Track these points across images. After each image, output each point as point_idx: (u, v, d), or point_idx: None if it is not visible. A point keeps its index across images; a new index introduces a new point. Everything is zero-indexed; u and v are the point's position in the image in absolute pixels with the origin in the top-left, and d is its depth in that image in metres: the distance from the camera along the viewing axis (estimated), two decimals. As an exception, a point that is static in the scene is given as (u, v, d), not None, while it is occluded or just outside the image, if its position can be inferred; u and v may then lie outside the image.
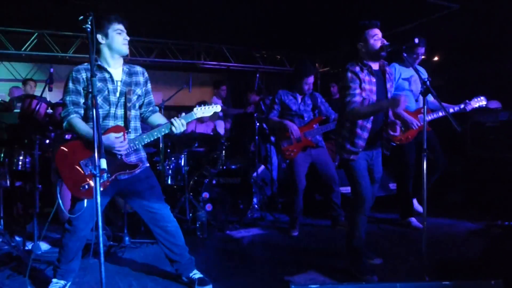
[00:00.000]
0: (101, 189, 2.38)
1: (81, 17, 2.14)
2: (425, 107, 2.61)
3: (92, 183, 2.42)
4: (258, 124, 5.20)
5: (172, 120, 2.59)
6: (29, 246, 3.52)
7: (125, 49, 2.59)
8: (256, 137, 5.18)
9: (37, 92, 4.90)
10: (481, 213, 4.50)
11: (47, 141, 3.94)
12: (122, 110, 2.60)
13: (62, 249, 2.66)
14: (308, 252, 3.61)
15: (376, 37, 2.87)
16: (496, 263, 3.10)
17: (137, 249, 3.66)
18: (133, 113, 2.65)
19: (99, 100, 2.51)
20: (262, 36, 7.08)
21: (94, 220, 2.56)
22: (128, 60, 3.02)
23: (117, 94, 2.58)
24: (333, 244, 3.83)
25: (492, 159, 4.79)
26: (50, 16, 5.57)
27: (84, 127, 2.46)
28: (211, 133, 5.98)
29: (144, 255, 3.50)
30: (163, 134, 2.64)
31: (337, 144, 3.04)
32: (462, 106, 4.06)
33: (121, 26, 2.56)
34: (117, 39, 2.54)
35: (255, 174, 5.27)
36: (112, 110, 2.56)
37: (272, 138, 5.31)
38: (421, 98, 4.13)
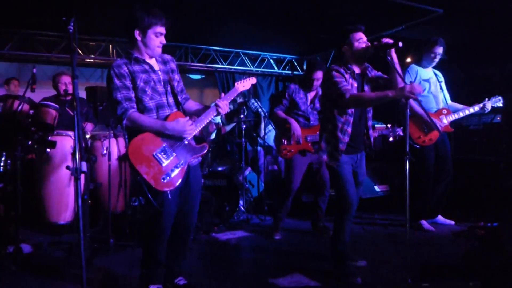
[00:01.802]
0: (180, 178, 2.42)
1: (64, 18, 2.11)
2: (408, 111, 2.62)
3: (175, 171, 2.40)
4: (245, 126, 5.21)
5: (217, 102, 2.55)
6: (10, 249, 3.44)
7: (158, 52, 2.54)
8: (243, 140, 5.17)
9: (21, 92, 4.83)
10: (465, 214, 4.57)
11: (30, 142, 3.88)
12: (172, 97, 2.58)
13: (150, 250, 2.55)
14: (293, 254, 3.61)
15: (361, 40, 2.91)
16: (478, 264, 3.14)
17: (122, 252, 3.63)
18: (179, 98, 2.66)
19: (149, 91, 2.47)
20: (250, 39, 7.09)
21: (175, 211, 2.52)
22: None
23: (162, 84, 2.55)
24: (317, 246, 3.84)
25: (475, 161, 4.87)
26: (34, 15, 5.49)
27: (147, 119, 2.42)
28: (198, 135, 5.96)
29: (128, 258, 3.46)
30: (211, 117, 2.59)
31: (320, 147, 3.06)
32: (481, 105, 4.17)
33: (163, 30, 2.48)
34: (154, 42, 2.47)
35: (241, 176, 5.27)
36: (164, 99, 2.53)
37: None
38: (440, 99, 4.26)
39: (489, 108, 4.20)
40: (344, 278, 2.88)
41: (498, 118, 4.80)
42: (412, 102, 2.68)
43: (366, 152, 3.15)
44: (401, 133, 4.08)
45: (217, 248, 3.88)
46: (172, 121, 2.45)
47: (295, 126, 4.02)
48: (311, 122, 4.16)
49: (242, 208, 5.02)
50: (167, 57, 2.70)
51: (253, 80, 2.76)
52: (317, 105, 4.19)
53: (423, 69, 4.28)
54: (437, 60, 4.24)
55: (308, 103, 4.18)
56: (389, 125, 4.12)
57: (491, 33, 5.06)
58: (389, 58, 2.77)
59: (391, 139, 4.16)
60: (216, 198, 4.57)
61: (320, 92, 4.24)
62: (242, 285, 2.93)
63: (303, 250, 3.74)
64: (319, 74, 4.09)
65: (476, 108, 4.20)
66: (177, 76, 2.69)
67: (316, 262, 3.32)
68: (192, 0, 5.04)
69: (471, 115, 4.44)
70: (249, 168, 5.78)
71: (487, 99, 4.19)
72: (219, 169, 5.02)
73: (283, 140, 4.10)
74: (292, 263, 3.33)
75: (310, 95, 4.22)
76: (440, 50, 4.18)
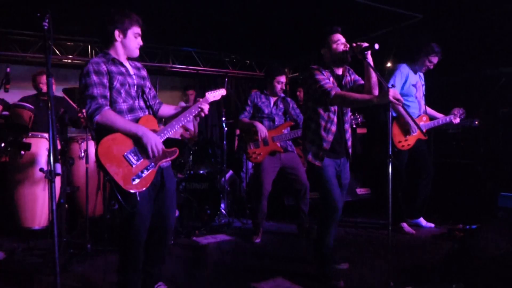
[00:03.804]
0: (150, 180, 2.39)
1: (38, 14, 2.03)
2: (390, 113, 2.62)
3: (145, 173, 2.37)
4: (226, 129, 5.17)
5: (199, 104, 2.64)
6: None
7: (137, 54, 2.58)
8: (224, 142, 5.13)
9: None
10: (444, 217, 4.63)
11: (3, 144, 3.74)
12: (143, 102, 2.60)
13: (125, 256, 2.46)
14: (275, 258, 3.58)
15: (339, 42, 2.91)
16: (459, 266, 3.17)
17: (100, 257, 3.52)
18: (151, 102, 2.70)
19: (123, 93, 2.46)
20: (232, 41, 7.07)
21: (150, 213, 2.49)
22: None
23: (135, 88, 2.56)
24: (300, 249, 3.82)
25: (454, 164, 4.95)
26: (9, 13, 5.34)
27: (122, 119, 2.38)
28: (179, 138, 5.90)
29: (106, 263, 3.36)
30: (191, 117, 2.63)
31: (304, 148, 3.04)
32: (451, 117, 4.30)
33: (139, 30, 2.54)
34: (133, 42, 2.52)
35: (223, 179, 5.22)
36: (136, 103, 2.54)
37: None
38: (422, 104, 4.30)
39: (456, 121, 4.34)
40: (327, 281, 2.87)
41: (476, 123, 4.89)
42: (399, 106, 2.68)
43: (346, 159, 3.13)
44: (363, 120, 4.14)
45: (198, 252, 3.82)
46: (148, 128, 2.42)
47: (261, 128, 4.04)
48: (276, 123, 4.21)
49: (224, 212, 4.96)
50: (139, 65, 2.74)
51: (223, 92, 2.83)
52: (280, 105, 4.27)
53: (413, 73, 4.28)
54: (427, 70, 4.27)
55: (271, 105, 4.24)
56: (349, 113, 4.15)
57: (469, 39, 5.15)
58: (367, 60, 2.77)
59: (354, 126, 4.19)
60: (197, 201, 4.51)
61: (282, 95, 4.32)
62: (223, 290, 2.88)
63: (286, 254, 3.71)
64: (282, 79, 4.20)
65: (447, 119, 4.33)
66: (148, 83, 2.72)
67: (299, 266, 3.30)
68: (173, 1, 4.99)
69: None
70: (231, 171, 5.73)
71: (455, 113, 4.34)
72: (201, 172, 4.96)
73: (250, 145, 4.10)
74: (274, 266, 3.30)
75: (273, 99, 4.27)
76: (436, 61, 4.20)
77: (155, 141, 2.40)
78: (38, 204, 3.91)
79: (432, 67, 4.24)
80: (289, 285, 2.87)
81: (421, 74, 4.41)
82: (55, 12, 2.12)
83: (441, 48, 4.18)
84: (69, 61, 6.56)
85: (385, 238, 3.70)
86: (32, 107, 3.74)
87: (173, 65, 7.35)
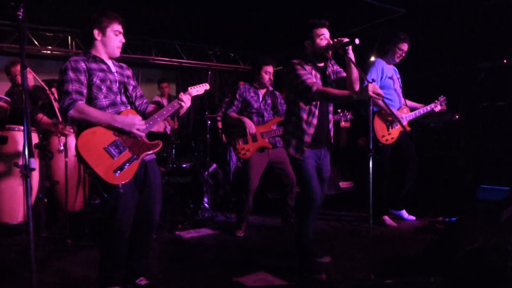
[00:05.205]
0: (133, 173, 2.35)
1: (12, 3, 1.96)
2: (371, 107, 2.63)
3: (127, 166, 2.34)
4: (209, 122, 5.14)
5: (180, 96, 2.62)
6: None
7: (118, 53, 2.58)
8: (207, 135, 5.10)
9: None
10: (426, 210, 4.69)
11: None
12: (125, 98, 2.60)
13: (108, 251, 2.42)
14: (258, 252, 3.58)
15: (323, 37, 2.90)
16: (439, 258, 3.22)
17: (80, 252, 3.47)
18: (137, 102, 2.71)
19: (104, 89, 2.45)
20: (215, 33, 7.00)
21: (134, 207, 2.45)
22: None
23: (117, 84, 2.56)
24: (282, 243, 3.83)
25: (435, 157, 5.02)
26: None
27: (96, 110, 2.36)
28: (162, 131, 5.85)
29: (87, 259, 3.31)
30: (173, 112, 2.62)
31: (284, 141, 3.04)
32: (433, 106, 4.34)
33: (120, 28, 2.53)
34: (114, 41, 2.52)
35: (206, 173, 5.19)
36: (118, 98, 2.53)
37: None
38: (401, 97, 4.34)
39: (438, 109, 4.41)
40: (309, 274, 2.88)
41: (457, 117, 4.96)
42: (379, 100, 2.70)
43: (328, 149, 3.15)
44: (352, 117, 4.16)
45: (181, 247, 3.80)
46: (122, 115, 2.44)
47: (249, 124, 3.99)
48: (265, 119, 4.16)
49: (207, 206, 4.94)
50: (123, 65, 2.74)
51: (206, 86, 2.86)
52: (269, 101, 4.21)
53: (387, 65, 4.32)
54: (401, 58, 4.30)
55: (260, 99, 4.18)
56: (339, 110, 4.18)
57: (451, 34, 5.21)
58: (348, 56, 2.77)
59: (343, 123, 4.22)
60: (180, 195, 4.46)
61: (270, 88, 4.26)
62: (206, 284, 2.86)
63: (269, 248, 3.72)
64: (270, 69, 4.16)
65: (429, 108, 4.38)
66: (133, 82, 2.72)
67: (281, 260, 3.31)
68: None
69: (431, 113, 4.58)
70: (214, 165, 5.71)
71: (436, 101, 4.41)
72: (184, 166, 4.92)
73: (238, 140, 4.06)
74: (257, 261, 3.29)
75: (261, 92, 4.22)
76: (406, 47, 4.24)
77: (135, 123, 2.41)
78: (16, 199, 3.81)
79: (404, 54, 4.26)
80: (271, 278, 2.88)
81: (395, 68, 4.43)
82: (33, 2, 2.06)
83: (423, 42, 4.22)
84: (49, 52, 6.40)
85: (367, 231, 3.73)
86: (9, 99, 3.64)
87: (156, 58, 7.24)
